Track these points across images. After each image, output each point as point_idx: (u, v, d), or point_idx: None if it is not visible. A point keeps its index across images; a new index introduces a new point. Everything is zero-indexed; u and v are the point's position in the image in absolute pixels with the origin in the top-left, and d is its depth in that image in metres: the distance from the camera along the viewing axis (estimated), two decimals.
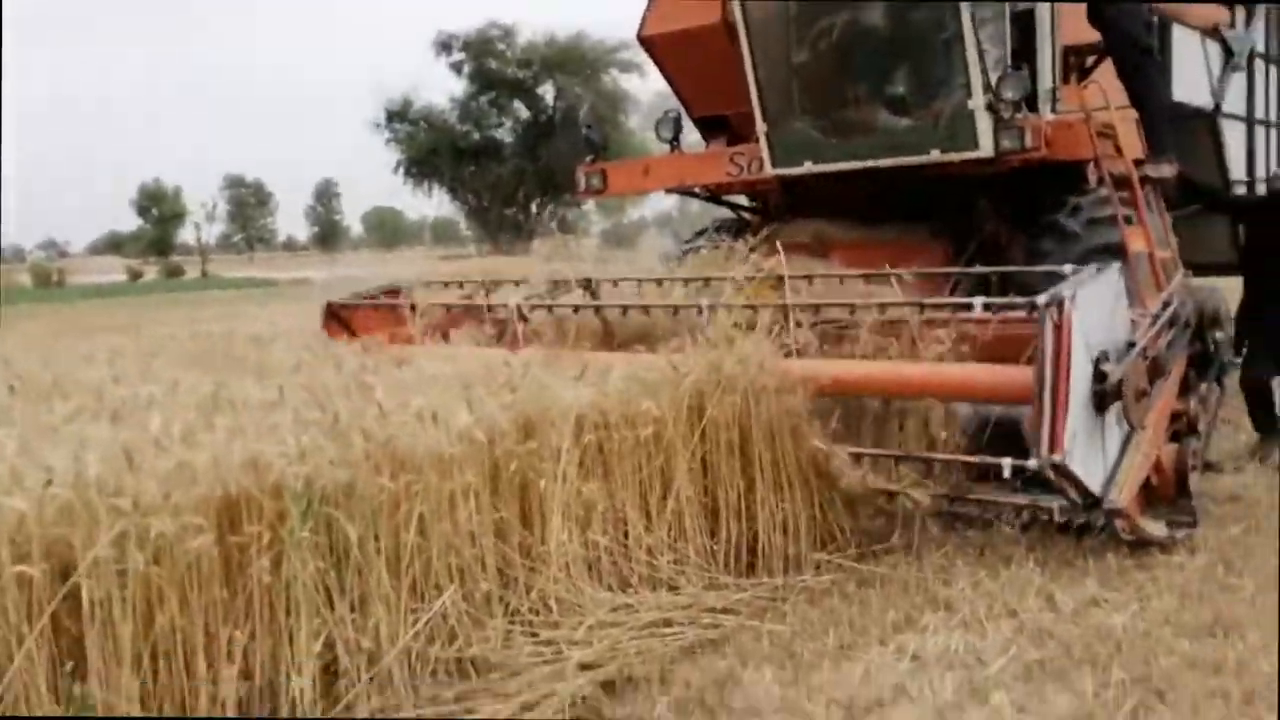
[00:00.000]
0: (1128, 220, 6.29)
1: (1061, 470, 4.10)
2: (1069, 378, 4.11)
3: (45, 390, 4.01)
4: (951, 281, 6.32)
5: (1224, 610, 3.97)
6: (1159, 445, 4.87)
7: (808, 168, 6.85)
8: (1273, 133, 9.02)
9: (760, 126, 6.90)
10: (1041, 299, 4.23)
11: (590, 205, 54.83)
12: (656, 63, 8.02)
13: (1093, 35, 6.91)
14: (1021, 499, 4.74)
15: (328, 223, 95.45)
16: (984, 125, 6.13)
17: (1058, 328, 4.13)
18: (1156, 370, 4.96)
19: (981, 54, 6.04)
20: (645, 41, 7.91)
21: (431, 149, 50.42)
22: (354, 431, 3.28)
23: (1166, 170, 6.81)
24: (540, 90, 51.98)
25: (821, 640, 3.83)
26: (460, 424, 3.46)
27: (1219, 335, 5.84)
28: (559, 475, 3.69)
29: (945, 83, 6.37)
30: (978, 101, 6.12)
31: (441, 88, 50.83)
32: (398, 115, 51.92)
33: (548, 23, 49.81)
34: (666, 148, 7.82)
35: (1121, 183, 6.58)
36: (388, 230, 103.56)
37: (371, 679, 3.10)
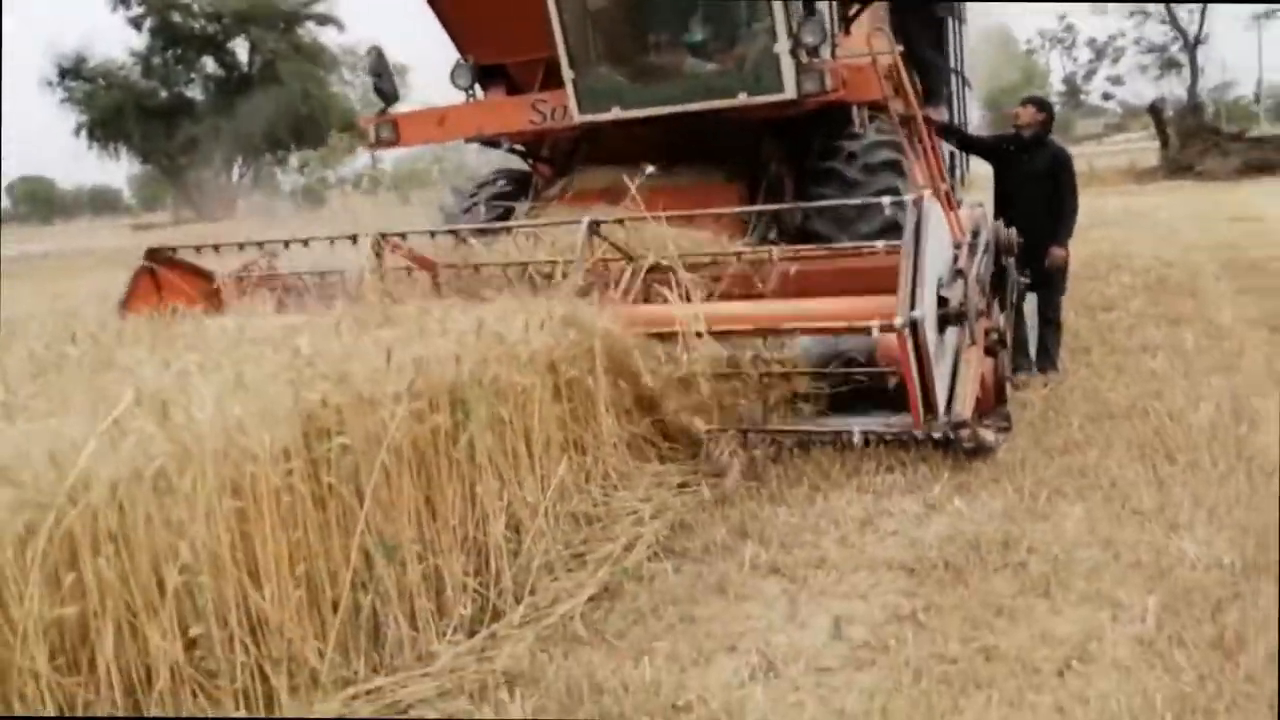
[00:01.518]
0: (899, 161, 6.68)
1: (917, 331, 4.29)
2: (927, 259, 4.46)
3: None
4: (752, 222, 6.45)
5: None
6: (980, 360, 5.17)
7: (615, 113, 6.67)
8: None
9: (567, 73, 6.63)
10: (906, 198, 4.67)
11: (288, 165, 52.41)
12: (435, 10, 7.54)
13: None
14: (834, 424, 4.90)
15: None
16: (788, 68, 6.22)
17: (918, 219, 4.52)
18: (979, 293, 5.28)
19: (786, 2, 6.12)
20: None
21: (117, 109, 46.17)
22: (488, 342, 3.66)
23: (942, 110, 7.25)
24: (231, 45, 48.68)
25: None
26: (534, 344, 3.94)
27: (1009, 259, 6.27)
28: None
29: (750, 28, 6.43)
30: (782, 46, 6.17)
31: (119, 41, 46.12)
32: (71, 72, 47.16)
33: None
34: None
35: (903, 122, 6.96)
36: (40, 202, 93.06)
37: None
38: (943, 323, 4.67)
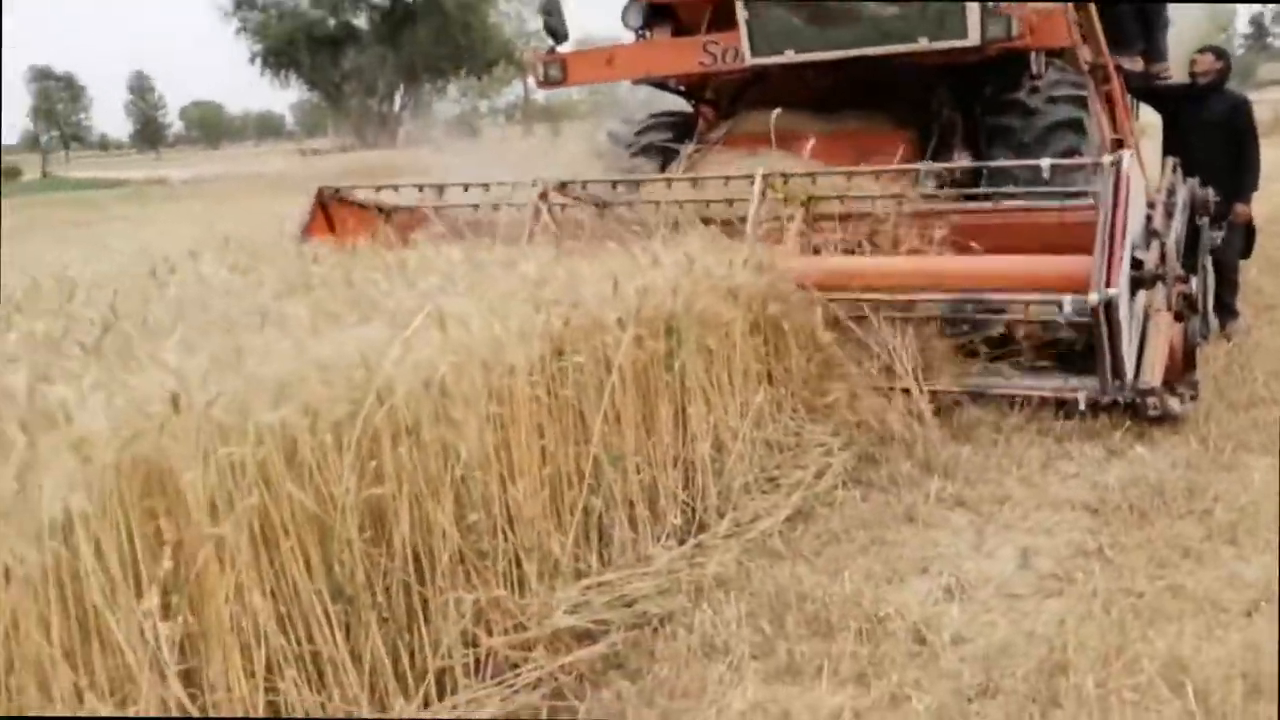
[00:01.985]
0: (1081, 119, 6.52)
1: (1111, 309, 4.29)
2: (1126, 226, 4.43)
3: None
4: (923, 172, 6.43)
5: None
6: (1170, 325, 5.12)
7: (789, 56, 6.67)
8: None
9: (741, 13, 6.63)
10: (1105, 158, 4.63)
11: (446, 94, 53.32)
12: None
13: None
14: (1045, 385, 4.84)
15: (149, 119, 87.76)
16: (972, 12, 6.14)
17: (1116, 180, 4.47)
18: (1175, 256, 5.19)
19: None
20: None
21: (289, 38, 47.84)
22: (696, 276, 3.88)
23: (1138, 61, 7.06)
24: None
25: None
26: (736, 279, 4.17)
27: (1204, 219, 6.11)
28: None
29: None
30: None
31: None
32: (246, 3, 48.97)
33: None
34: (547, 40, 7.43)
35: (1090, 71, 6.82)
36: (209, 126, 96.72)
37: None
38: (1135, 285, 4.65)
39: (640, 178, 6.63)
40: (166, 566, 2.14)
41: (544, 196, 5.84)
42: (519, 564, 2.80)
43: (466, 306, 2.92)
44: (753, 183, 5.50)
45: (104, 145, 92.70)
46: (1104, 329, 4.39)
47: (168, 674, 2.08)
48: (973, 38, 6.17)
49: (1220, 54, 6.97)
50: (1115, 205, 4.45)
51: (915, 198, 5.75)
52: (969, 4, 6.11)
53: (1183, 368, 5.06)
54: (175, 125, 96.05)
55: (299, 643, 2.35)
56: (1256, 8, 49.08)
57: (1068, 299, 4.42)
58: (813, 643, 2.86)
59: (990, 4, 6.11)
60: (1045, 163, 5.79)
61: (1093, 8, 6.69)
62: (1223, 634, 2.82)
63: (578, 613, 2.83)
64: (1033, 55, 6.59)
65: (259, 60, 48.99)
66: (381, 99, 50.42)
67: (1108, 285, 4.33)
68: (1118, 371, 4.52)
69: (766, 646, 2.86)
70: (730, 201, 5.58)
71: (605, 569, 3.07)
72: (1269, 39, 50.51)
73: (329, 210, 6.41)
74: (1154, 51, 7.04)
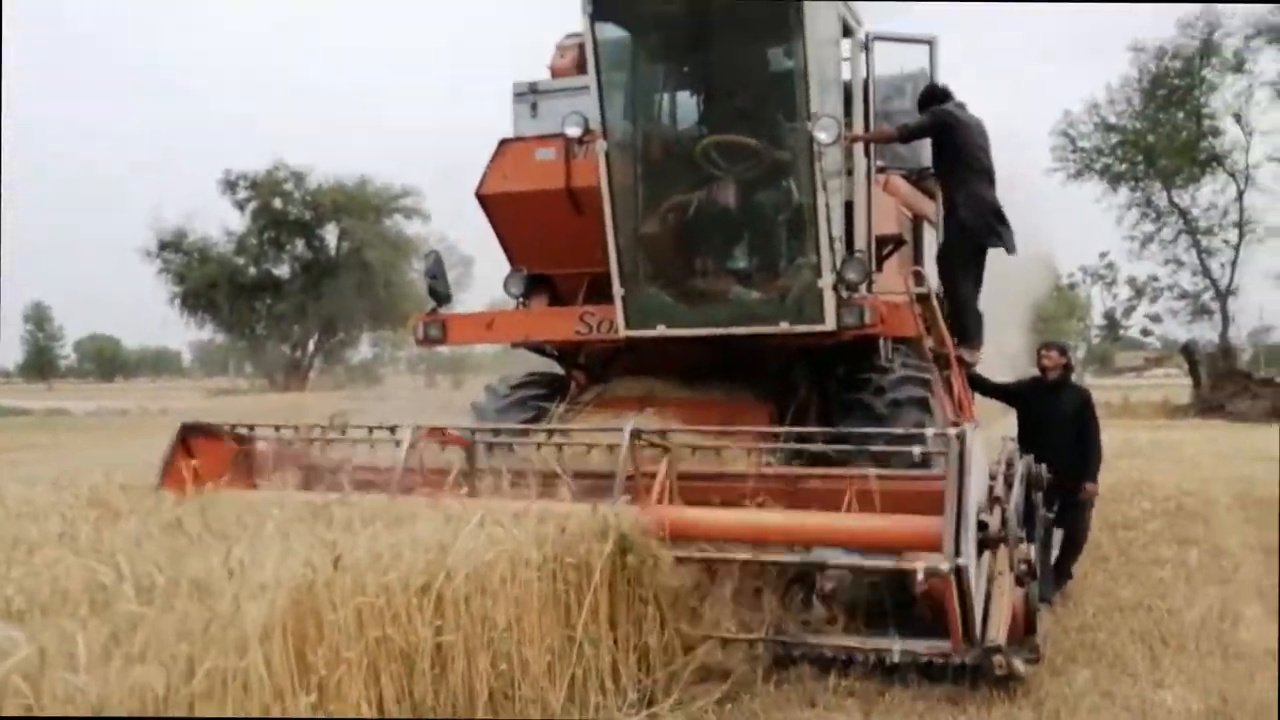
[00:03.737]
0: (926, 398, 6.81)
1: (962, 576, 4.34)
2: (970, 495, 4.52)
3: None
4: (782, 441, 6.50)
5: None
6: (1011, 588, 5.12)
7: (661, 331, 6.90)
8: None
9: (617, 290, 6.91)
10: (951, 431, 4.83)
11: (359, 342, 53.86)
12: (490, 218, 7.88)
13: (889, 229, 7.42)
14: (874, 643, 4.92)
15: (43, 349, 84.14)
16: (829, 302, 6.45)
17: (961, 453, 4.59)
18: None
19: (832, 239, 6.39)
20: (483, 199, 7.74)
21: (210, 283, 48.24)
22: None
23: (977, 355, 7.40)
24: (321, 230, 51.01)
25: None
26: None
27: (1038, 493, 6.27)
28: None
29: (794, 262, 6.70)
30: (826, 281, 6.44)
31: (217, 221, 48.39)
32: (171, 245, 49.57)
33: (329, 169, 48.72)
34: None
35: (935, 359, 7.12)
36: (105, 360, 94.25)
37: None
38: (981, 547, 4.72)
39: (516, 426, 6.62)
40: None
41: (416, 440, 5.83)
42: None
43: None
44: (621, 441, 5.53)
45: None
46: (956, 592, 4.44)
47: None
48: (829, 324, 6.46)
49: (1063, 349, 7.39)
50: (960, 474, 4.56)
51: (774, 462, 5.87)
52: (826, 294, 6.41)
53: (1024, 629, 5.14)
54: (70, 357, 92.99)
55: None
56: (1109, 302, 52.88)
57: (920, 566, 4.48)
58: None
59: (845, 295, 6.41)
60: (901, 431, 6.03)
61: (935, 299, 7.07)
62: None
63: None
64: (881, 342, 6.90)
65: (178, 301, 49.11)
66: (295, 344, 50.61)
67: (957, 554, 4.40)
68: (968, 632, 4.54)
69: None
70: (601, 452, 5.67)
71: None
72: (1121, 330, 54.15)
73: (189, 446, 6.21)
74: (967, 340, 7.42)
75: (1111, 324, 53.50)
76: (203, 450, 6.17)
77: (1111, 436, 7.62)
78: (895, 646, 4.85)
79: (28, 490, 5.23)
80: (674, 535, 5.05)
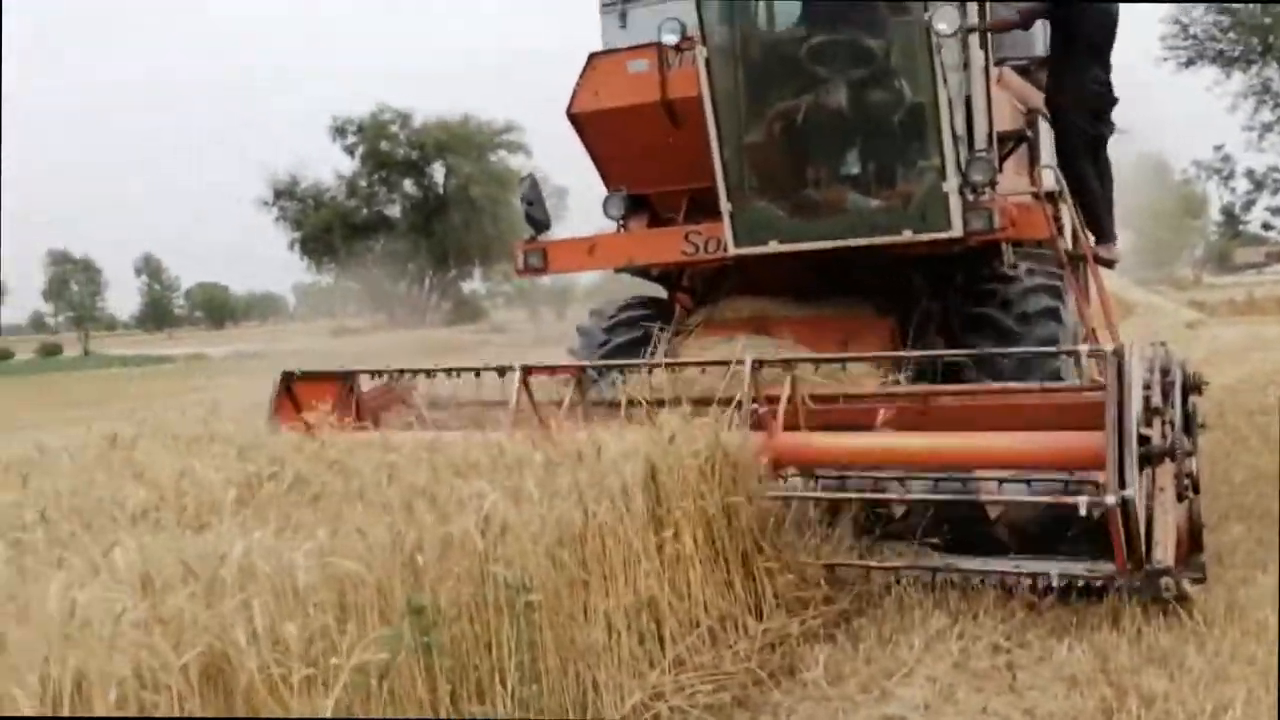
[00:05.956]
0: (1058, 308, 6.22)
1: (1128, 508, 3.91)
2: (1131, 413, 4.03)
3: None
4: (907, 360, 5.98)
5: None
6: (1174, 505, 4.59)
7: (773, 247, 6.35)
8: None
9: (725, 206, 6.36)
10: (1109, 348, 4.25)
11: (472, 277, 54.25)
12: (583, 139, 7.36)
13: (1008, 125, 6.71)
14: (1031, 566, 4.43)
15: (159, 300, 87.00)
16: (955, 206, 5.83)
17: (1119, 374, 4.06)
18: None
19: (956, 138, 5.75)
20: (575, 118, 7.20)
21: (326, 226, 49.07)
22: None
23: (1115, 251, 6.69)
24: (428, 169, 51.29)
25: None
26: None
27: (1195, 400, 5.65)
28: None
29: (916, 165, 6.06)
30: (951, 184, 5.81)
31: (327, 166, 49.14)
32: (285, 193, 50.45)
33: (434, 108, 49.09)
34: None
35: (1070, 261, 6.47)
36: (215, 307, 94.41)
37: None
38: (1142, 463, 4.16)
39: (625, 362, 6.22)
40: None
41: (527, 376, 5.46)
42: None
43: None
44: (740, 367, 5.08)
45: (110, 326, 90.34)
46: (1120, 519, 3.96)
47: None
48: (956, 230, 5.85)
49: None
50: (1120, 398, 4.04)
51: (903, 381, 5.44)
52: (952, 198, 5.80)
53: (1189, 548, 4.57)
54: (183, 306, 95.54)
55: None
56: (1227, 197, 49.82)
57: (1083, 500, 4.00)
58: None
59: (970, 197, 5.80)
60: (1043, 351, 5.59)
61: (1068, 201, 6.41)
62: None
63: None
64: (1004, 246, 6.28)
65: (297, 246, 50.18)
66: (411, 282, 51.30)
67: (1122, 486, 3.91)
68: (1134, 555, 4.06)
69: None
70: (726, 365, 5.15)
71: None
72: (1241, 225, 50.97)
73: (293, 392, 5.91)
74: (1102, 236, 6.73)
75: (1230, 219, 50.42)
76: (307, 394, 5.88)
77: (1238, 331, 7.42)
78: (1053, 570, 4.37)
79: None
80: (806, 462, 4.64)
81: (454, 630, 3.00)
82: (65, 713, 2.17)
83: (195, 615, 2.43)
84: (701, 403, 4.84)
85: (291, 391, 5.83)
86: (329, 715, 2.49)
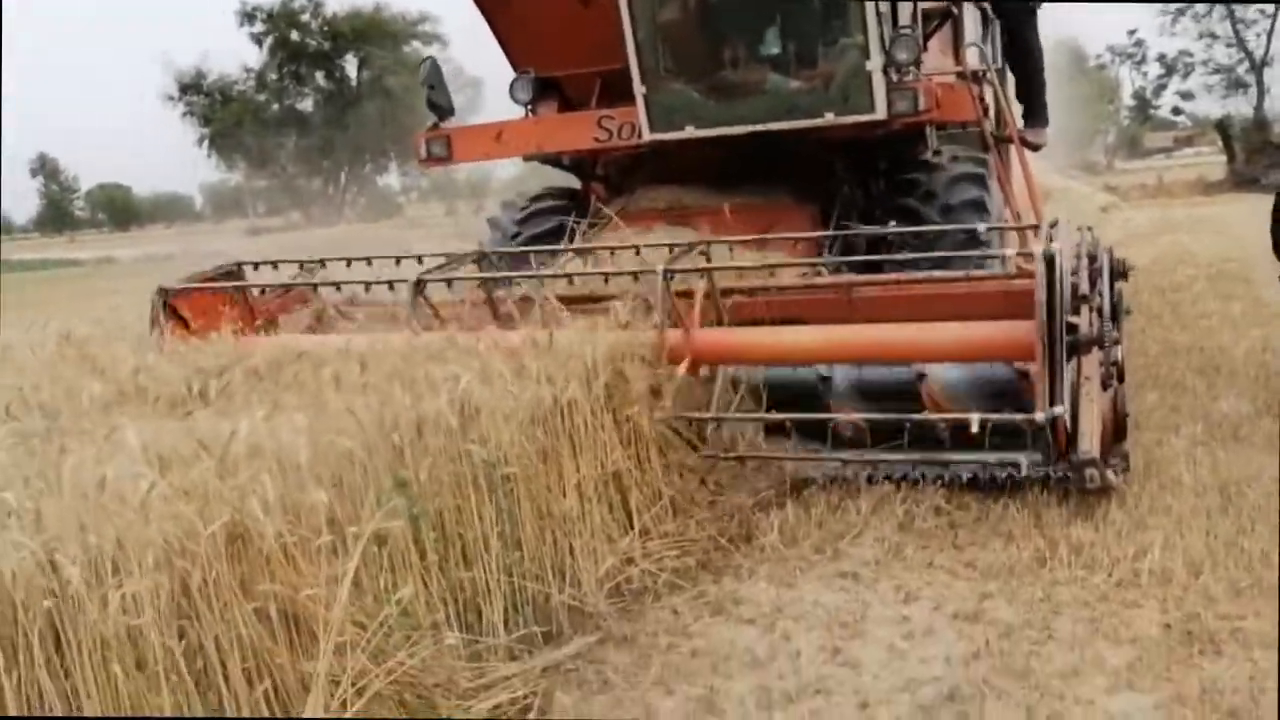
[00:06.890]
0: (982, 198, 5.99)
1: (1060, 423, 3.88)
2: (1063, 330, 3.90)
3: None
4: (827, 245, 5.73)
5: None
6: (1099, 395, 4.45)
7: (690, 132, 6.00)
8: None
9: (639, 89, 5.96)
10: (1038, 250, 3.94)
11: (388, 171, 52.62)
12: (488, 18, 6.85)
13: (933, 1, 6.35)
14: (991, 457, 4.25)
15: (59, 202, 79.82)
16: (879, 87, 5.51)
17: (1050, 282, 3.86)
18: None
19: (879, 15, 5.40)
20: None
21: (236, 121, 46.85)
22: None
23: (1043, 136, 6.45)
24: (341, 61, 49.02)
25: None
26: None
27: (1120, 285, 5.50)
28: None
29: (838, 44, 5.72)
30: (875, 64, 5.49)
31: (233, 58, 46.34)
32: (191, 88, 47.95)
33: None
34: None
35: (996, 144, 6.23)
36: (118, 209, 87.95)
37: None
38: (1070, 352, 4.03)
39: (537, 249, 5.87)
40: None
41: (419, 285, 5.02)
42: None
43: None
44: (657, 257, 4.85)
45: (8, 230, 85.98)
46: (1050, 434, 3.94)
47: None
48: (879, 112, 5.55)
49: None
50: (1050, 298, 3.86)
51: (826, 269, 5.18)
52: (876, 77, 5.47)
53: (1113, 438, 4.47)
54: (83, 209, 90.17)
55: None
56: (1139, 82, 50.15)
57: (1020, 417, 3.95)
58: None
59: (896, 78, 5.48)
60: (982, 227, 5.43)
61: (994, 82, 6.12)
62: None
63: None
64: (927, 130, 6.00)
65: (206, 142, 47.87)
66: (326, 179, 49.51)
67: (1052, 404, 3.85)
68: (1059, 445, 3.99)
69: None
70: (635, 276, 4.84)
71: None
72: (1152, 110, 51.47)
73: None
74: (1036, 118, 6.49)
75: (1142, 104, 50.90)
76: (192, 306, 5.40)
77: (1149, 215, 7.86)
78: (990, 459, 4.23)
79: None
80: (725, 360, 4.41)
81: (436, 503, 3.16)
82: (108, 578, 2.28)
83: (216, 489, 2.57)
84: (604, 299, 4.57)
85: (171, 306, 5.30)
86: (349, 579, 2.61)
